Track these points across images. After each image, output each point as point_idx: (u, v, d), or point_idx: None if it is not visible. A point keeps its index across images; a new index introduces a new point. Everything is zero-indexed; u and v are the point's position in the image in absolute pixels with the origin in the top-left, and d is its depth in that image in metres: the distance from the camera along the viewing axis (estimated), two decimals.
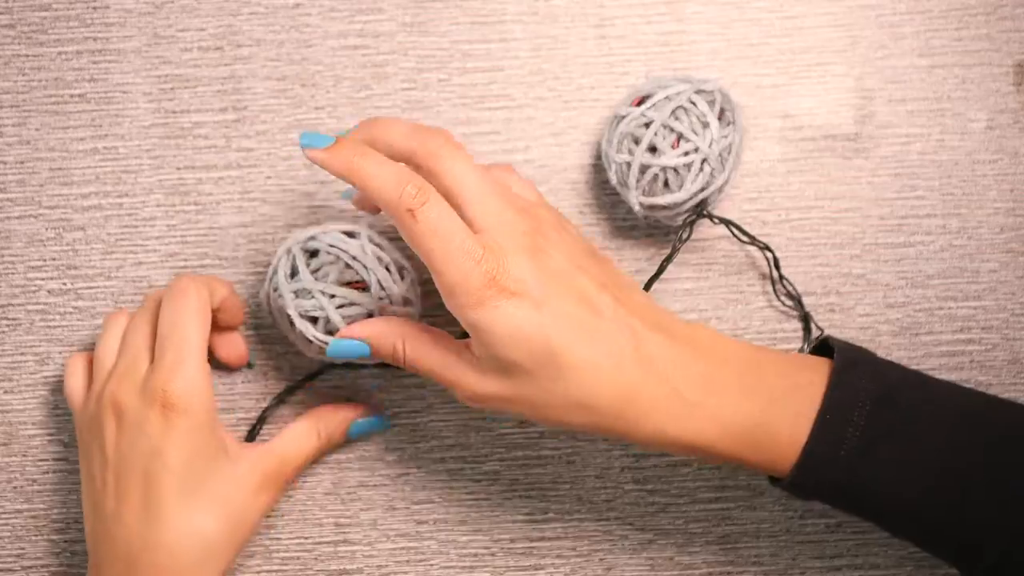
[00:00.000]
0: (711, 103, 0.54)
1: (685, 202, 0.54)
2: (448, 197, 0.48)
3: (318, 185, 0.60)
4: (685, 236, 0.56)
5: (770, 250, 0.58)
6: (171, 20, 0.60)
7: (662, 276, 0.57)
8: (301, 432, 0.56)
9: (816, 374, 0.49)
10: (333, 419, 0.57)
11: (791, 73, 0.60)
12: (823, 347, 0.52)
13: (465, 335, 0.49)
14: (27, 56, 0.60)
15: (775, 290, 0.59)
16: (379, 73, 0.60)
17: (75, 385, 0.56)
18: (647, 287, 0.57)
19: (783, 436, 0.48)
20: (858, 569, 0.58)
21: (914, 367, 0.58)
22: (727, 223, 0.56)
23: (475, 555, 0.59)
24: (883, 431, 0.48)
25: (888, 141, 0.60)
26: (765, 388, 0.49)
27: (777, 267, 0.58)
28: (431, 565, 0.59)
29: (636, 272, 0.59)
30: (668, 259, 0.56)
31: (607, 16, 0.60)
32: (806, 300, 0.59)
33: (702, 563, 0.58)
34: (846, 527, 0.58)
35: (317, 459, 0.57)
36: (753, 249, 0.59)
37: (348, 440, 0.58)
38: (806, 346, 0.58)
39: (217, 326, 0.56)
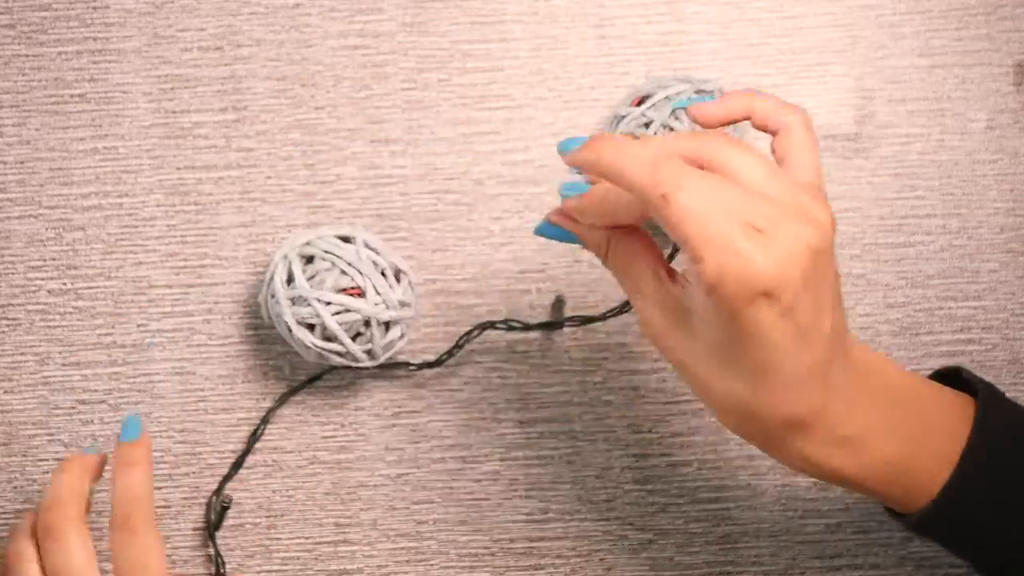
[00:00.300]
0: None
1: None
2: None
3: (318, 185, 0.60)
4: None
5: None
6: (171, 20, 0.60)
7: None
8: None
9: (962, 411, 0.47)
10: None
11: (791, 73, 0.60)
12: (948, 374, 0.50)
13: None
14: (27, 56, 0.60)
15: None
16: (379, 73, 0.60)
17: None
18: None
19: (922, 476, 0.46)
20: (858, 569, 0.58)
21: (914, 367, 0.58)
22: None
23: (475, 555, 0.59)
24: (1018, 479, 0.46)
25: (888, 141, 0.60)
26: (916, 425, 0.46)
27: None
28: (431, 565, 0.59)
29: None
30: (671, 258, 0.56)
31: (607, 16, 0.60)
32: None
33: (702, 563, 0.58)
34: (846, 527, 0.58)
35: None
36: None
37: None
38: None
39: None
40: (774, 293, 0.42)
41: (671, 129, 0.54)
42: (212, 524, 0.57)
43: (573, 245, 0.50)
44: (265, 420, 0.59)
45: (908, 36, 0.60)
